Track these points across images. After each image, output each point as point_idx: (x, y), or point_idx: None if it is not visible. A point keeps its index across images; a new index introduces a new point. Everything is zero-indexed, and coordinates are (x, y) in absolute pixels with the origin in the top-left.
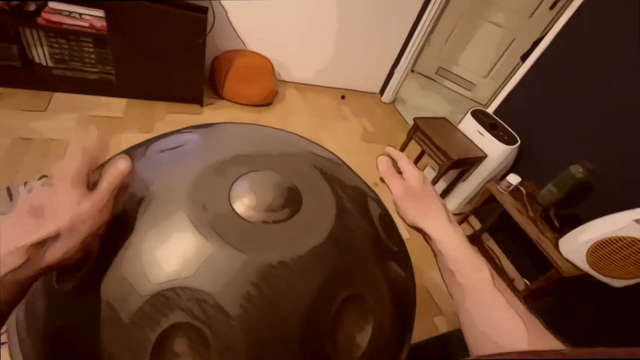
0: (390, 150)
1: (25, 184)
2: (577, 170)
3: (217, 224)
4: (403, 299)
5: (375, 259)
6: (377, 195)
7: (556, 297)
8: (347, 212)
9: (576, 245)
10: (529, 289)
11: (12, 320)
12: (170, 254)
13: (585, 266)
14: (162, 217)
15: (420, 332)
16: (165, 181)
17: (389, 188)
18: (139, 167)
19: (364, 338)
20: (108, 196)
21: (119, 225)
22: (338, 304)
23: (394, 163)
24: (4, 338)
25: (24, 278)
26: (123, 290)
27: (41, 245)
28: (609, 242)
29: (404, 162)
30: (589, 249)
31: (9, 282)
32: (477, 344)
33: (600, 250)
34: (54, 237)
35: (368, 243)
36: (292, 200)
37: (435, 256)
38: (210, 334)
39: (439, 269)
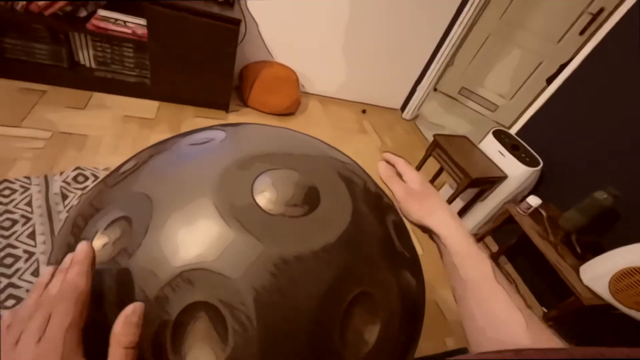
0: (388, 155)
1: (60, 173)
2: (601, 195)
3: (240, 213)
4: (412, 306)
5: (386, 262)
6: (392, 202)
7: (576, 326)
8: (362, 214)
9: (598, 273)
10: (547, 316)
11: None
12: (194, 237)
13: (607, 295)
14: (188, 202)
15: (430, 352)
16: (194, 170)
17: (390, 191)
18: (168, 158)
19: (371, 336)
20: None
21: (146, 211)
22: (348, 300)
23: (394, 168)
24: None
25: None
26: (148, 268)
27: None
28: (632, 272)
29: (402, 165)
30: (611, 277)
31: None
32: (476, 337)
33: (624, 280)
34: None
35: (381, 246)
36: (310, 198)
37: (441, 253)
38: (228, 315)
39: (444, 266)
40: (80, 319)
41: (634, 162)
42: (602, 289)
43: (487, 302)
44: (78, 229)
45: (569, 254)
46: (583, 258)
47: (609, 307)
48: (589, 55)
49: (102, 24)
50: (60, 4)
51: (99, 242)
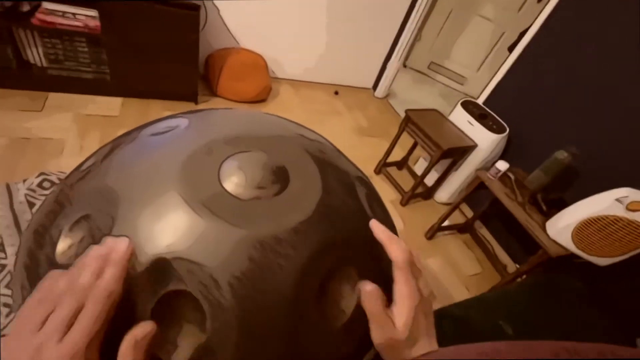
0: (378, 232)
1: (24, 181)
2: (562, 155)
3: (208, 200)
4: (389, 274)
5: (360, 234)
6: (364, 174)
7: (543, 273)
8: (333, 189)
9: (562, 226)
10: (519, 271)
11: (17, 296)
12: (164, 230)
13: (571, 246)
14: (154, 196)
15: None
16: (157, 162)
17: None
18: (131, 150)
19: (349, 305)
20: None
21: (111, 207)
22: (324, 275)
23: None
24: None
25: None
26: None
27: None
28: (592, 222)
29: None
30: (574, 229)
31: None
32: None
33: (585, 230)
34: None
35: (354, 218)
36: (279, 178)
37: None
38: (205, 302)
39: None
40: (105, 327)
41: (591, 121)
42: (566, 240)
43: None
44: (41, 233)
45: (536, 212)
46: (548, 215)
47: (573, 256)
48: (545, 20)
49: (49, 18)
50: None
51: (63, 243)
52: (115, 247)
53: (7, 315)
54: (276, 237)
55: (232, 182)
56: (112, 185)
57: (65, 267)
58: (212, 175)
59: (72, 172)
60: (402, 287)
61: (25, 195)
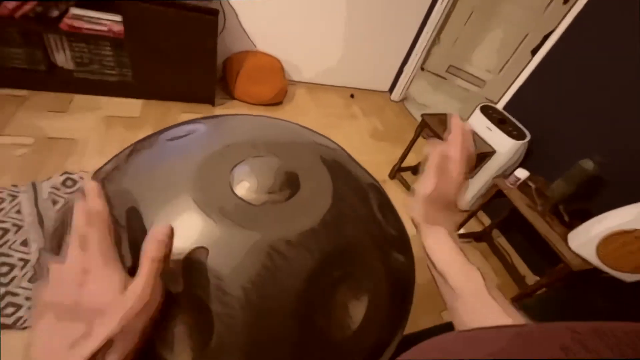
0: (456, 125)
1: (48, 179)
2: (587, 163)
3: (219, 204)
4: (400, 281)
5: (370, 241)
6: (377, 181)
7: (565, 288)
8: (344, 195)
9: (586, 239)
10: (539, 284)
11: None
12: (176, 232)
13: (595, 260)
14: (168, 200)
15: (427, 325)
16: (173, 167)
17: (423, 175)
18: (148, 155)
19: (358, 314)
20: (154, 279)
21: (129, 211)
22: (333, 282)
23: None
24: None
25: None
26: (133, 262)
27: (96, 356)
28: (618, 235)
29: (460, 149)
30: (598, 242)
31: None
32: None
33: (611, 243)
34: (107, 345)
35: (364, 225)
36: (289, 183)
37: (428, 264)
38: (214, 304)
39: (433, 275)
40: (111, 234)
41: (618, 129)
42: (589, 254)
43: (479, 313)
44: (60, 234)
45: (558, 223)
46: (571, 226)
47: (596, 270)
48: (571, 23)
49: (76, 23)
50: (29, 4)
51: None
52: (84, 188)
53: (12, 315)
54: (286, 241)
55: (244, 187)
56: (129, 188)
57: None
58: (225, 180)
59: (93, 175)
60: (457, 166)
61: (50, 193)
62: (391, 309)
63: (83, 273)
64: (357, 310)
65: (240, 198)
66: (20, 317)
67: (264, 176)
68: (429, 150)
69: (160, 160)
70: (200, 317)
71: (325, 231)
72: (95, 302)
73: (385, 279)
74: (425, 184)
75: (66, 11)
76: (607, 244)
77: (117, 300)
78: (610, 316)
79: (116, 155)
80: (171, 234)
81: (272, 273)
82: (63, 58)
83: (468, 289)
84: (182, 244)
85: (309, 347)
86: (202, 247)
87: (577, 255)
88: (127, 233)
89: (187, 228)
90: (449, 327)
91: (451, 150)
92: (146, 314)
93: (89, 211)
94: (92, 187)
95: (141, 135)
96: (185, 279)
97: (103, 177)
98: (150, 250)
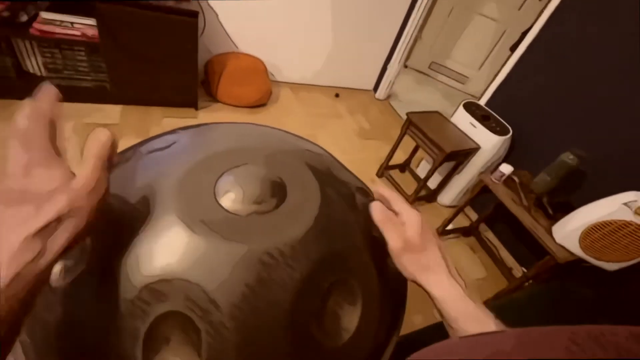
0: (382, 190)
1: None
2: (568, 157)
3: (204, 218)
4: (393, 286)
5: (360, 246)
6: (365, 185)
7: (552, 280)
8: (332, 201)
9: (569, 231)
10: (526, 276)
11: None
12: (161, 250)
13: (578, 251)
14: (151, 216)
15: (421, 324)
16: (153, 181)
17: (385, 237)
18: (128, 169)
19: (351, 322)
20: (100, 168)
21: (111, 226)
22: (324, 290)
23: (389, 205)
24: None
25: (38, 272)
26: (118, 284)
27: (46, 232)
28: (600, 227)
29: (400, 203)
30: (581, 234)
31: (27, 278)
32: None
33: (592, 234)
34: (57, 221)
35: (353, 231)
36: (276, 192)
37: (438, 311)
38: (201, 322)
39: (444, 322)
40: (53, 130)
41: (597, 123)
42: (573, 245)
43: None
44: None
45: (542, 216)
46: (555, 218)
47: (580, 260)
48: (547, 20)
49: (47, 28)
50: None
51: (58, 265)
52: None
53: None
54: (275, 252)
55: (229, 198)
56: (109, 203)
57: (61, 290)
58: (209, 192)
59: None
60: (404, 206)
61: None
62: (385, 313)
63: (27, 166)
64: (351, 318)
65: (226, 210)
66: None
67: (249, 186)
68: (376, 217)
69: (141, 174)
70: (188, 337)
71: (315, 239)
72: (42, 188)
73: (378, 283)
74: (389, 238)
75: (36, 15)
76: (589, 235)
77: (64, 185)
78: (596, 304)
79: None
80: (112, 138)
81: (262, 286)
82: (35, 65)
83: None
84: (167, 260)
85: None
86: (190, 265)
87: (562, 247)
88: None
89: (172, 244)
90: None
91: (384, 195)
92: (93, 197)
93: (34, 108)
94: (46, 89)
95: (122, 142)
96: (172, 298)
97: None
98: (93, 148)
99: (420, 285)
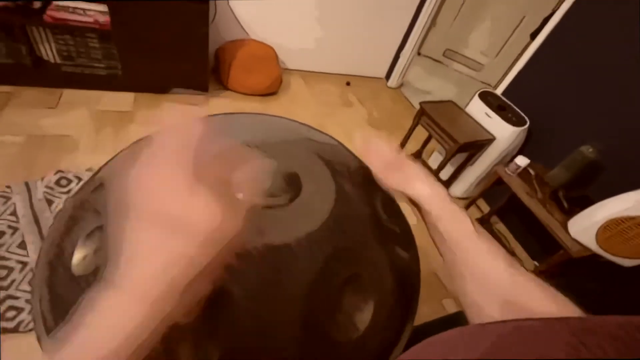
0: (362, 134)
1: (42, 179)
2: (587, 150)
3: None
4: (406, 279)
5: (375, 240)
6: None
7: (564, 278)
8: (346, 195)
9: (586, 226)
10: (538, 270)
11: (36, 309)
12: None
13: (594, 246)
14: None
15: (429, 315)
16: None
17: (368, 165)
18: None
19: (364, 317)
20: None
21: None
22: (338, 284)
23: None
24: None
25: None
26: None
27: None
28: (619, 222)
29: (374, 138)
30: (599, 228)
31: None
32: (470, 300)
33: (610, 229)
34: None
35: (368, 225)
36: (291, 186)
37: (424, 219)
38: (219, 314)
39: (431, 234)
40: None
41: (618, 116)
42: (589, 240)
43: (472, 258)
44: (58, 244)
45: (557, 210)
46: (570, 212)
47: (594, 256)
48: (571, 6)
49: (60, 14)
50: None
51: (79, 254)
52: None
53: (14, 319)
54: (290, 246)
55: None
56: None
57: (82, 278)
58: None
59: (88, 181)
60: (380, 141)
61: (44, 193)
62: (398, 307)
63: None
64: (365, 312)
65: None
66: (22, 321)
67: (264, 179)
68: (358, 149)
69: None
70: (204, 326)
71: (329, 234)
72: (201, 223)
73: (391, 279)
74: (370, 162)
75: (49, 2)
76: (608, 230)
77: (224, 230)
78: (608, 300)
79: (111, 159)
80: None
81: (277, 280)
82: (49, 51)
83: (459, 235)
84: None
85: (317, 354)
86: None
87: (577, 242)
88: None
89: None
90: (453, 319)
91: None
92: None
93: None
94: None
95: (135, 129)
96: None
97: (99, 183)
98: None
99: (408, 197)
